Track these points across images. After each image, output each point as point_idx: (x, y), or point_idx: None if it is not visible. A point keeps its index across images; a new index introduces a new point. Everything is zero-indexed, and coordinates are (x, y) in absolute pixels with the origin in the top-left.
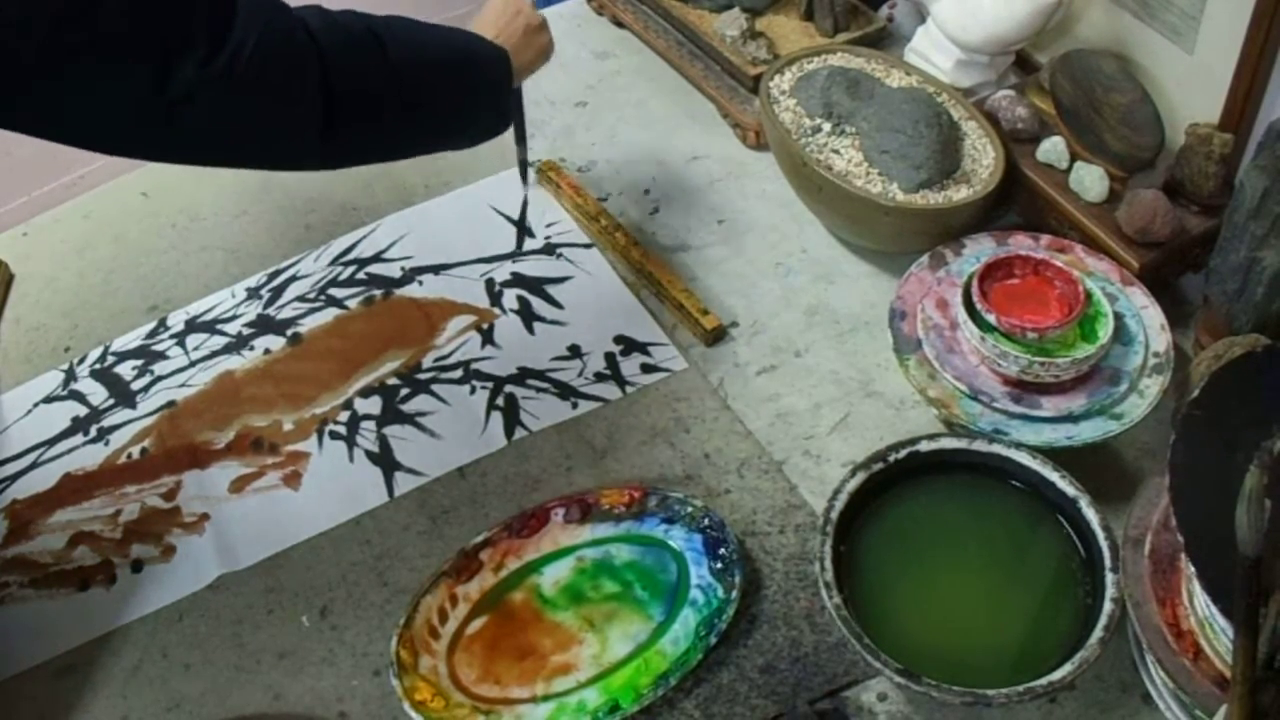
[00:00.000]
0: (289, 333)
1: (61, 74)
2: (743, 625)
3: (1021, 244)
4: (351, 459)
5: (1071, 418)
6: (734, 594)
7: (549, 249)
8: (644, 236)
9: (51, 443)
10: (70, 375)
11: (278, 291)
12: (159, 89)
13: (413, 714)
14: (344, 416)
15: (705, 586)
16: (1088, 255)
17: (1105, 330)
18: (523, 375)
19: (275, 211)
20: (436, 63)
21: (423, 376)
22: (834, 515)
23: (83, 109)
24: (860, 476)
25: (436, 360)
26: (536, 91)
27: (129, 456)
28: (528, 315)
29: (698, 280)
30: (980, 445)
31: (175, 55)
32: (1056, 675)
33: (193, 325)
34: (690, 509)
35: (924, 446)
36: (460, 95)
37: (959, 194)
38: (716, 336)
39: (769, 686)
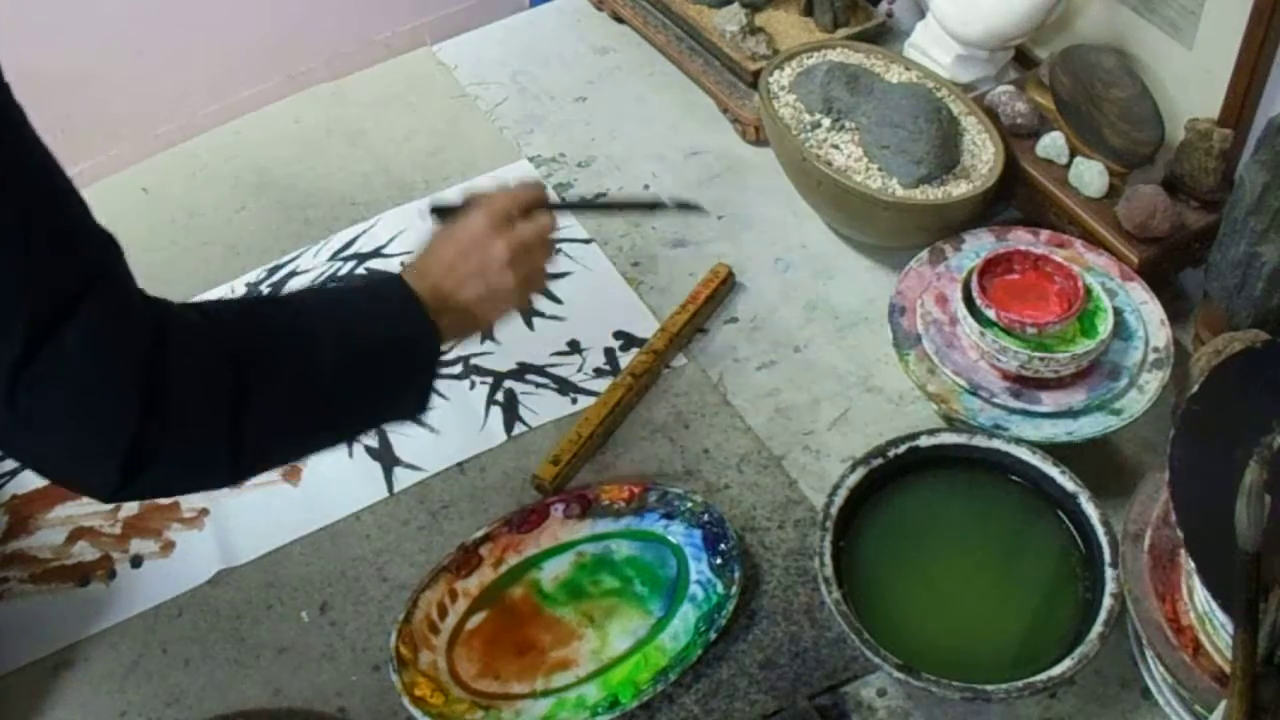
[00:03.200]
0: None
1: None
2: (742, 621)
3: (1021, 239)
4: (351, 454)
5: (1071, 413)
6: (733, 589)
7: None
8: (643, 232)
9: None
10: None
11: (277, 287)
12: None
13: (412, 709)
14: None
15: (705, 582)
16: (1087, 250)
17: (1105, 325)
18: (522, 370)
19: (275, 206)
20: (335, 373)
21: None
22: (833, 510)
23: None
24: (860, 472)
25: None
26: (536, 86)
27: None
28: (527, 310)
29: (696, 275)
30: (980, 440)
31: None
32: (1056, 670)
33: None
34: (690, 504)
35: (924, 442)
36: (362, 399)
37: (958, 189)
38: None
39: (768, 682)
